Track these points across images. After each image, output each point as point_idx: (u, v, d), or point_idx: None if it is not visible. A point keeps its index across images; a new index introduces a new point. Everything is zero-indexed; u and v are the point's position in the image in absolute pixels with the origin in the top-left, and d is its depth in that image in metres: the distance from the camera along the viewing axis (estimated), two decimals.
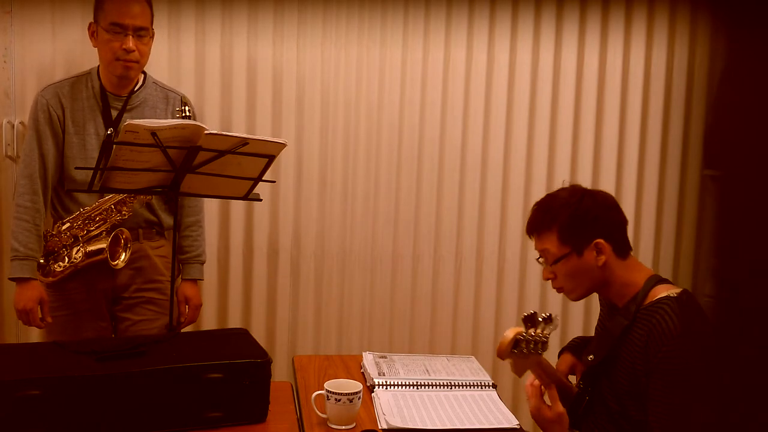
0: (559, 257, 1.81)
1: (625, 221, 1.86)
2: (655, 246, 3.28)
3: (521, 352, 1.71)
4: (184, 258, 2.59)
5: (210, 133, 2.03)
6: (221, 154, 2.07)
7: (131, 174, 2.07)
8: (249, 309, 3.08)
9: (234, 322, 3.04)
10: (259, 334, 2.98)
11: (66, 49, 2.81)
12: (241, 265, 3.05)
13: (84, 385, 1.69)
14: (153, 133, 1.97)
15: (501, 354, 1.73)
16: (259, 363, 1.85)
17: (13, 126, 2.81)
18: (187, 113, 2.30)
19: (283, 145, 2.15)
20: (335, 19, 3.00)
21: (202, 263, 2.63)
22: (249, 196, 2.28)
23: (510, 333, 1.71)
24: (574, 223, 1.80)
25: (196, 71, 2.91)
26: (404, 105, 3.08)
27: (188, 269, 2.61)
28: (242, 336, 2.04)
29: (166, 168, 2.08)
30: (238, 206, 3.01)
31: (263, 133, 2.93)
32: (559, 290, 1.88)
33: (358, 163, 3.08)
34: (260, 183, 2.24)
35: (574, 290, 1.86)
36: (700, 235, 3.23)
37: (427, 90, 3.08)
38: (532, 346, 1.72)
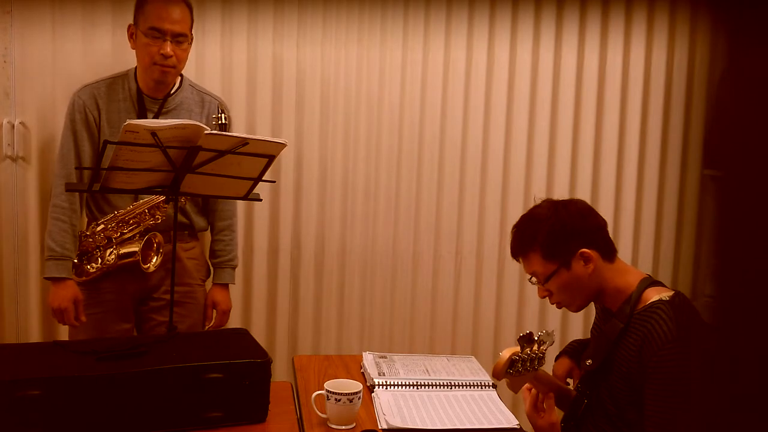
0: (549, 275, 1.81)
1: (603, 224, 1.85)
2: (655, 246, 3.28)
3: (517, 372, 1.71)
4: (215, 262, 2.64)
5: (210, 133, 2.03)
6: (221, 154, 2.07)
7: (131, 174, 2.07)
8: (249, 309, 3.08)
9: (234, 322, 3.04)
10: (259, 334, 2.98)
11: (66, 49, 2.81)
12: (241, 266, 3.04)
13: (84, 385, 1.69)
14: (153, 133, 1.96)
15: (496, 375, 1.73)
16: (259, 363, 1.85)
17: (13, 126, 2.81)
18: (224, 120, 2.30)
19: (283, 145, 2.15)
20: (335, 19, 3.00)
21: (234, 268, 2.66)
22: (249, 196, 2.28)
23: (505, 354, 1.70)
24: (553, 238, 1.79)
25: (196, 71, 2.91)
26: (404, 105, 3.08)
27: (219, 273, 2.64)
28: (242, 336, 2.04)
29: (166, 168, 2.08)
30: (238, 206, 3.00)
31: (263, 132, 2.93)
32: (558, 305, 1.88)
33: (358, 163, 3.08)
34: (260, 183, 2.24)
35: (572, 303, 1.86)
36: (700, 235, 3.23)
37: (427, 90, 3.08)
38: (528, 364, 1.72)
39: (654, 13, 3.17)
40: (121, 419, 1.72)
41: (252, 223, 3.04)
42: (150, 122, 2.01)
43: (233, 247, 2.66)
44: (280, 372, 2.92)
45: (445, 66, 3.08)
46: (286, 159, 2.99)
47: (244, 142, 2.08)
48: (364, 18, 3.02)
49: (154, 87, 2.47)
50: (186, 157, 2.06)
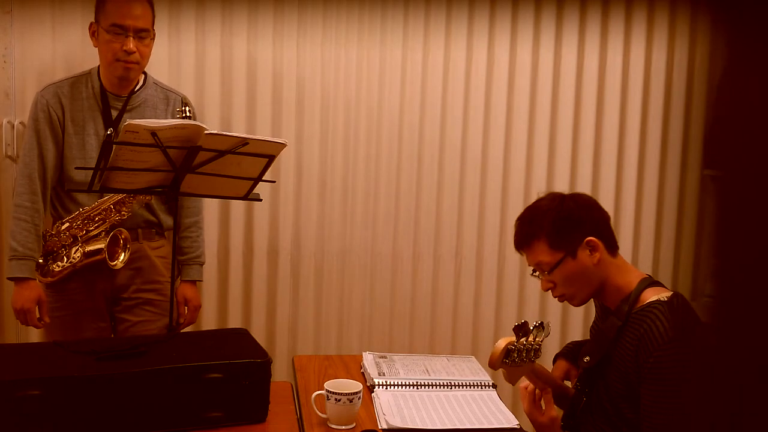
0: (555, 264, 1.80)
1: (607, 217, 1.86)
2: (655, 246, 3.28)
3: (513, 362, 1.71)
4: (183, 259, 2.59)
5: (210, 133, 2.03)
6: (221, 154, 2.07)
7: (131, 174, 2.07)
8: (249, 309, 3.08)
9: (234, 322, 3.04)
10: (259, 334, 2.98)
11: (66, 49, 2.81)
12: (241, 266, 3.05)
13: (84, 385, 1.69)
14: (153, 133, 1.97)
15: (492, 364, 1.74)
16: (259, 363, 1.85)
17: (13, 126, 2.81)
18: (188, 113, 2.30)
19: (283, 145, 2.15)
20: (335, 19, 3.00)
21: (202, 264, 2.63)
22: (249, 196, 2.28)
23: (501, 343, 1.71)
24: (560, 226, 1.79)
25: (196, 71, 2.91)
26: (404, 105, 3.08)
27: (187, 270, 2.60)
28: (242, 336, 2.05)
29: (166, 168, 2.08)
30: (238, 206, 3.01)
31: (263, 133, 2.94)
32: (560, 299, 1.87)
33: (358, 164, 3.08)
34: (260, 183, 2.24)
35: (575, 295, 1.85)
36: (700, 235, 3.23)
37: (427, 90, 3.08)
38: (524, 355, 1.72)
39: (654, 13, 3.17)
40: (121, 419, 1.72)
41: (252, 223, 3.04)
42: (150, 122, 2.00)
43: (200, 244, 2.62)
44: (280, 372, 2.92)
45: (445, 66, 3.08)
46: (286, 159, 2.99)
47: (244, 142, 2.08)
48: (364, 18, 3.02)
49: (117, 84, 2.45)
50: (186, 157, 2.06)
